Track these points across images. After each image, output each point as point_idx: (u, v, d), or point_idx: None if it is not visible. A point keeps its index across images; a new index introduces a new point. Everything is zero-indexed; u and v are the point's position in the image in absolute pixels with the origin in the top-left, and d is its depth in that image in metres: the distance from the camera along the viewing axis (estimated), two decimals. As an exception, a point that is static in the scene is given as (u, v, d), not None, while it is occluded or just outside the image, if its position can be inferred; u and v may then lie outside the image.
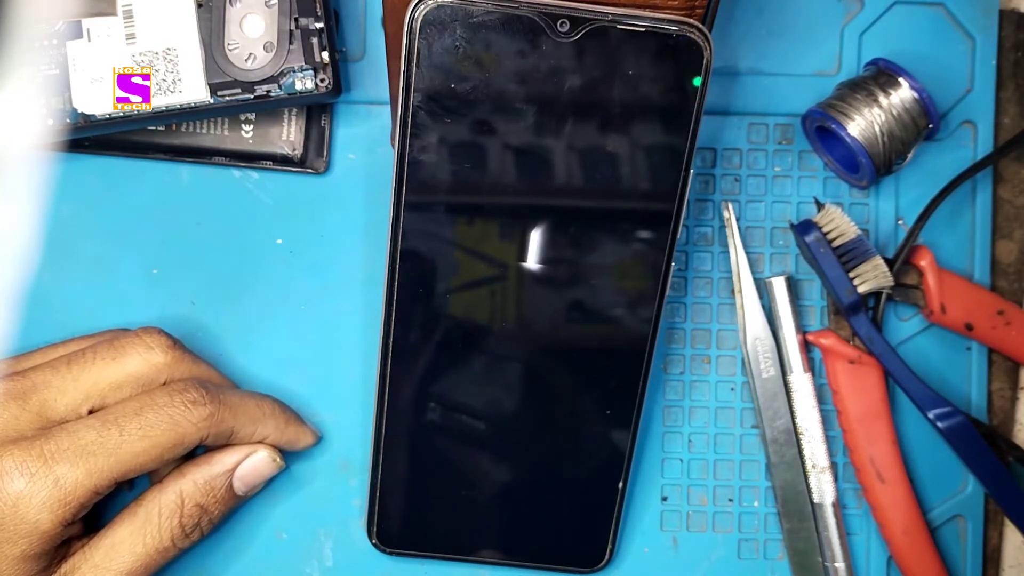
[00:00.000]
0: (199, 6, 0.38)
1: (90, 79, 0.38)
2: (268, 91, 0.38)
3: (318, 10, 0.38)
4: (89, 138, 0.41)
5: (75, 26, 0.38)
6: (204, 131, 0.42)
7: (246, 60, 0.38)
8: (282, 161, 0.42)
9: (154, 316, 0.42)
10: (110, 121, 0.38)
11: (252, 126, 0.42)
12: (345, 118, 0.42)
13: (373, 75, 0.42)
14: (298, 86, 0.38)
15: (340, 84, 0.39)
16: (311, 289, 0.43)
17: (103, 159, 0.42)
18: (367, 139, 0.42)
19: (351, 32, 0.42)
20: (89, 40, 0.38)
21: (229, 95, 0.38)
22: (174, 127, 0.41)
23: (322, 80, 0.38)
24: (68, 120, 0.38)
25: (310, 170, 0.42)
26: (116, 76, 0.38)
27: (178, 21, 0.38)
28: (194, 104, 0.38)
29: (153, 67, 0.38)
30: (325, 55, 0.38)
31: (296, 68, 0.38)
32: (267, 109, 0.40)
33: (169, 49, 0.38)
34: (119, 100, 0.38)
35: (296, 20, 0.38)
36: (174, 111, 0.38)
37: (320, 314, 0.43)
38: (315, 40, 0.38)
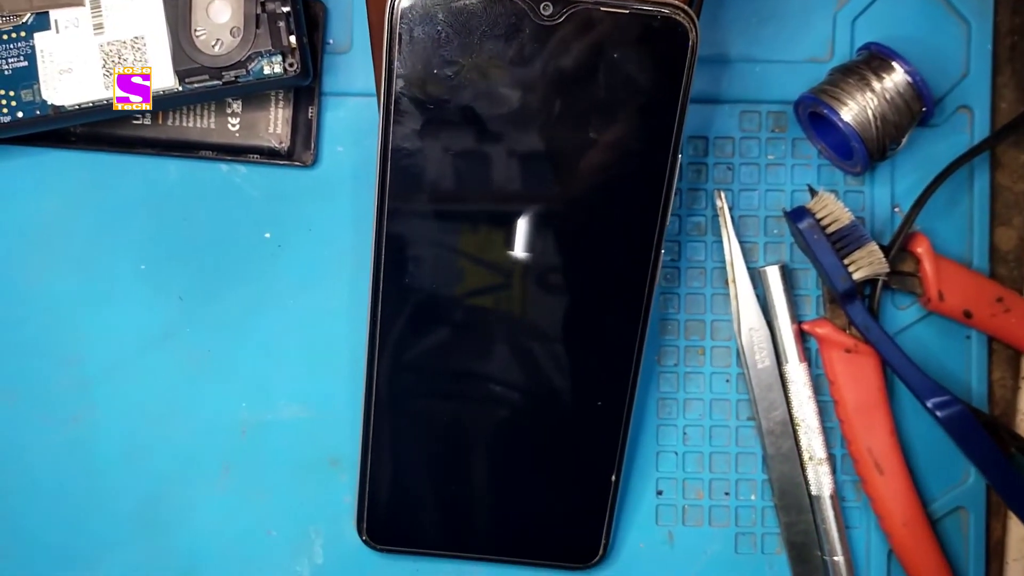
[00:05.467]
0: None
1: (59, 70, 0.38)
2: (236, 76, 0.38)
3: None
4: (76, 133, 0.41)
5: (43, 18, 0.38)
6: (190, 124, 0.41)
7: (213, 46, 0.38)
8: (269, 154, 0.42)
9: (142, 311, 0.42)
10: (80, 111, 0.38)
11: (239, 119, 0.41)
12: (332, 111, 0.42)
13: (360, 67, 0.42)
14: (266, 71, 0.38)
15: (308, 67, 0.39)
16: (299, 283, 0.42)
17: (90, 154, 0.42)
18: (355, 132, 0.42)
19: (338, 24, 0.42)
20: (57, 31, 0.38)
21: (197, 82, 0.38)
22: (160, 120, 0.41)
23: (291, 64, 0.38)
24: (38, 112, 0.38)
25: (298, 163, 0.42)
26: (116, 76, 0.38)
27: (145, 9, 0.38)
28: (162, 92, 0.38)
29: (121, 56, 0.38)
30: (292, 39, 0.38)
31: (264, 53, 0.38)
32: (236, 95, 0.40)
33: (137, 38, 0.38)
34: (119, 100, 0.38)
35: (263, 5, 0.38)
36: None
37: (308, 308, 0.42)
38: (282, 24, 0.38)
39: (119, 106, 0.38)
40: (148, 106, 0.38)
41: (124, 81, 0.38)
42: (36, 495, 0.42)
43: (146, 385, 0.42)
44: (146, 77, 0.38)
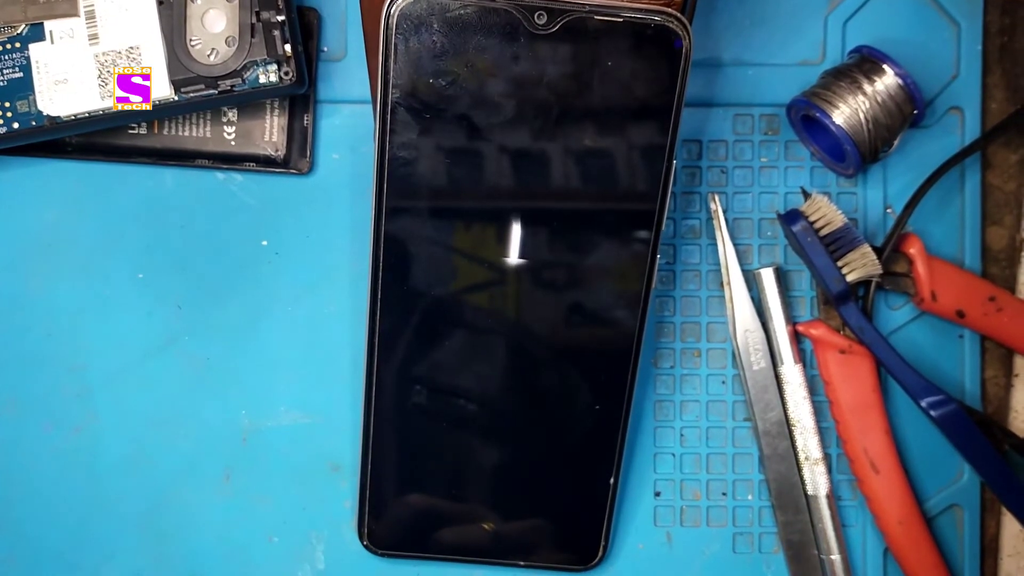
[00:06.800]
0: (160, 3, 0.38)
1: (54, 81, 0.38)
2: (232, 86, 0.38)
3: (279, 3, 0.38)
4: (72, 143, 0.41)
5: (37, 28, 0.38)
6: (186, 133, 0.41)
7: (208, 55, 0.38)
8: (265, 162, 0.42)
9: (140, 320, 0.42)
10: (76, 122, 0.38)
11: (234, 127, 0.41)
12: (328, 118, 0.42)
13: (355, 75, 0.42)
14: (262, 79, 0.38)
15: (303, 76, 0.39)
16: (297, 290, 0.42)
17: (87, 164, 0.42)
18: (350, 139, 0.42)
19: (332, 32, 0.42)
20: (52, 42, 0.38)
21: (193, 91, 0.38)
22: (156, 130, 0.41)
23: (286, 73, 0.38)
24: (34, 123, 0.38)
25: (294, 171, 0.42)
26: (116, 76, 0.38)
27: (140, 19, 0.38)
28: (158, 101, 0.38)
29: (117, 66, 0.38)
30: (287, 47, 0.38)
31: (259, 61, 0.38)
32: (232, 104, 0.40)
33: (132, 48, 0.38)
34: (119, 100, 0.38)
35: (257, 14, 0.38)
36: (140, 110, 0.38)
37: (307, 314, 0.42)
38: (277, 33, 0.38)
39: (119, 106, 0.38)
40: (148, 106, 0.38)
41: (124, 81, 0.38)
42: (39, 503, 0.42)
43: (147, 393, 0.42)
44: (146, 77, 0.38)
